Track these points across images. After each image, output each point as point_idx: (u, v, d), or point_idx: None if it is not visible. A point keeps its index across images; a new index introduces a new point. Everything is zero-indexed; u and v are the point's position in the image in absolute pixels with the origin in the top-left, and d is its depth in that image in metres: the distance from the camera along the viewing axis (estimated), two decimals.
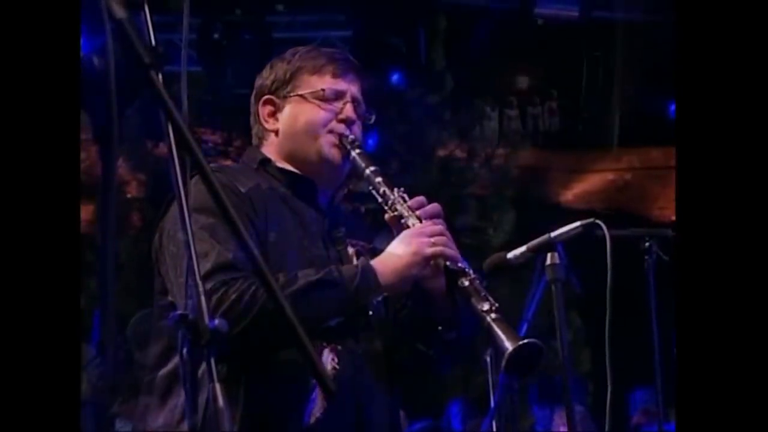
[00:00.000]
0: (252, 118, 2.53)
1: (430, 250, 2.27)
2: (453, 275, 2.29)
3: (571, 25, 8.18)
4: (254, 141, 2.53)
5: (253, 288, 2.10)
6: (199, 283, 1.46)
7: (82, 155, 6.15)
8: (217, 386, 1.41)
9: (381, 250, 2.35)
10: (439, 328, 2.35)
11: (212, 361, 1.43)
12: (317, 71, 2.46)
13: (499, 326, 2.21)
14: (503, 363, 2.18)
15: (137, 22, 1.49)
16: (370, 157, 2.44)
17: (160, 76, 1.46)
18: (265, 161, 2.45)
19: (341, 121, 2.42)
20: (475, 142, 8.74)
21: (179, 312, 1.45)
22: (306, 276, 2.17)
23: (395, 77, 7.99)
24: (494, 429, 3.60)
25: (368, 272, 2.23)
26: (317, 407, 2.18)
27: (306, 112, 2.43)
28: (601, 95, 8.77)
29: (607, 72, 8.64)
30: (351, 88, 2.46)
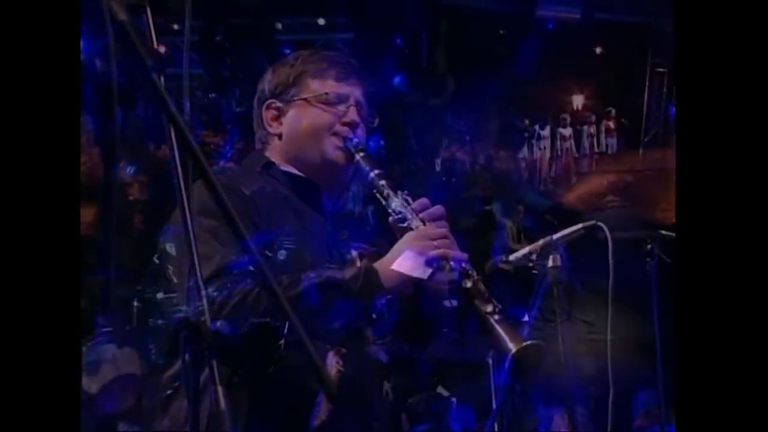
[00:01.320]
0: (255, 123, 2.53)
1: (433, 252, 2.27)
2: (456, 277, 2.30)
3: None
4: (257, 145, 2.53)
5: (256, 290, 2.09)
6: (202, 285, 1.46)
7: (84, 158, 6.14)
8: (219, 389, 1.40)
9: (384, 254, 2.35)
10: (445, 330, 2.35)
11: (214, 363, 1.42)
12: (320, 75, 2.46)
13: (502, 328, 2.21)
14: (507, 364, 2.18)
15: (139, 24, 1.49)
16: (374, 160, 2.44)
17: (162, 79, 1.46)
18: (269, 164, 2.45)
19: (345, 124, 2.42)
20: (476, 144, 8.68)
21: (181, 315, 1.45)
22: (308, 278, 2.17)
23: (397, 80, 8.00)
24: (496, 431, 3.59)
25: (371, 274, 2.23)
26: (322, 410, 2.18)
27: (310, 115, 2.43)
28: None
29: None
30: (354, 91, 2.46)
